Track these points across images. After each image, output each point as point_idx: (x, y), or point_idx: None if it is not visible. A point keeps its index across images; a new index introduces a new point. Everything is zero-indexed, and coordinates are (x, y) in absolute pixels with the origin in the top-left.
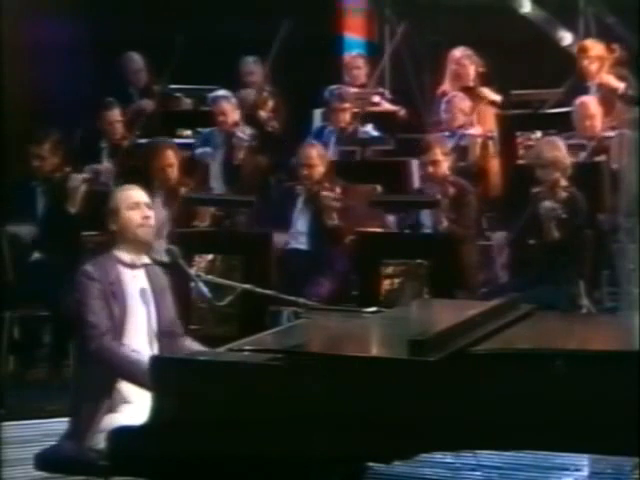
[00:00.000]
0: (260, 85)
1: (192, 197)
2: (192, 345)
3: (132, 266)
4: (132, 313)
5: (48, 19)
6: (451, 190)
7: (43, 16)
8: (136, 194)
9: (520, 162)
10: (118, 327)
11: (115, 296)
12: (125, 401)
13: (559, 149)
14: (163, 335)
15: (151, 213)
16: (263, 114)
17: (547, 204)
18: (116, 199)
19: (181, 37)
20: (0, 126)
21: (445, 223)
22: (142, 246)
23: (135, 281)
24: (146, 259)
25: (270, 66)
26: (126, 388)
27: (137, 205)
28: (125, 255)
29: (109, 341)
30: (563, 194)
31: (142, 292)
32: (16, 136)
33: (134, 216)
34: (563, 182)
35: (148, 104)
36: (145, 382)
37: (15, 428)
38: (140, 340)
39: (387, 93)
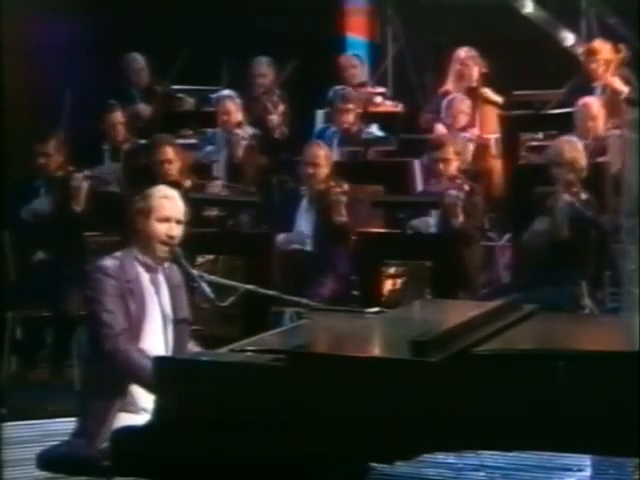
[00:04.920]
0: (271, 88)
1: (194, 197)
2: (193, 349)
3: (152, 269)
4: (150, 313)
5: (49, 19)
6: (465, 188)
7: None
8: (170, 207)
9: (522, 162)
10: (135, 327)
11: (132, 294)
12: (137, 402)
13: (578, 150)
14: (178, 334)
15: (177, 232)
16: (275, 118)
17: (566, 197)
18: (149, 202)
19: (184, 38)
20: (1, 126)
21: (461, 218)
22: (161, 258)
23: (153, 281)
24: (166, 263)
25: (282, 78)
26: (138, 389)
27: (167, 220)
28: (146, 258)
29: (124, 342)
30: (581, 195)
31: (159, 291)
32: (17, 136)
33: (160, 230)
34: (577, 183)
35: (146, 110)
36: None
37: (16, 428)
38: (157, 340)
39: (389, 93)
